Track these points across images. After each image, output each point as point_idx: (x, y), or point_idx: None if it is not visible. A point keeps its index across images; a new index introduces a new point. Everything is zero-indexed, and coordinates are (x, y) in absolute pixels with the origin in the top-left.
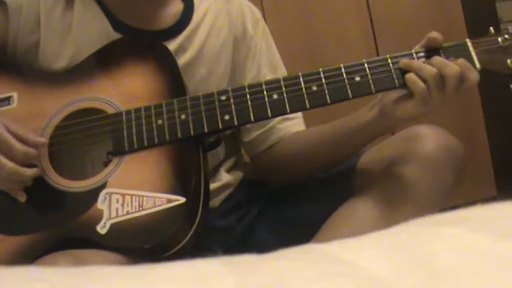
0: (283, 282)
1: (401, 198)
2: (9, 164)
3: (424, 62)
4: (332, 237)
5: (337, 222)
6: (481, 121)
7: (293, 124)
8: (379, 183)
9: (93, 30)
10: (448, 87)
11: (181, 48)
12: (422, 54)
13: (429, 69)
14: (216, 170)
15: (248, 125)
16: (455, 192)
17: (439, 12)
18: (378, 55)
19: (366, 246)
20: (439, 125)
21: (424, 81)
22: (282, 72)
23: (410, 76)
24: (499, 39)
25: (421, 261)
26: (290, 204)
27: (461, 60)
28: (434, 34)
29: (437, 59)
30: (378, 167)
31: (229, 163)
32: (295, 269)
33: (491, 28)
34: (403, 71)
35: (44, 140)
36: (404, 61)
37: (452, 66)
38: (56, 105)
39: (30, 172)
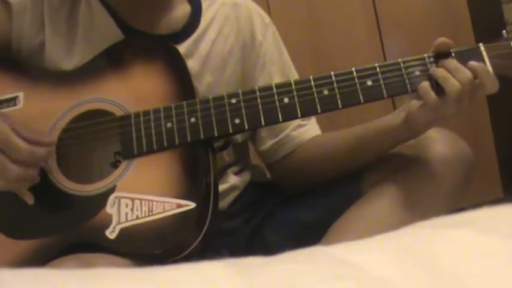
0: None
1: (410, 200)
2: (17, 168)
3: (436, 66)
4: (341, 238)
5: (346, 223)
6: (487, 122)
7: (307, 130)
8: (389, 186)
9: (101, 33)
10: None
11: (188, 54)
12: (434, 58)
13: (452, 82)
14: (224, 171)
15: (262, 134)
16: (463, 195)
17: (445, 14)
18: (384, 56)
19: (371, 249)
20: (445, 127)
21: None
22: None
23: (422, 86)
24: None
25: (427, 263)
26: (298, 206)
27: (480, 66)
28: (442, 38)
29: (450, 62)
30: (387, 169)
31: (237, 166)
32: (300, 271)
33: (504, 32)
34: (415, 75)
35: (52, 139)
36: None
37: (464, 72)
38: (62, 107)
39: (37, 172)
